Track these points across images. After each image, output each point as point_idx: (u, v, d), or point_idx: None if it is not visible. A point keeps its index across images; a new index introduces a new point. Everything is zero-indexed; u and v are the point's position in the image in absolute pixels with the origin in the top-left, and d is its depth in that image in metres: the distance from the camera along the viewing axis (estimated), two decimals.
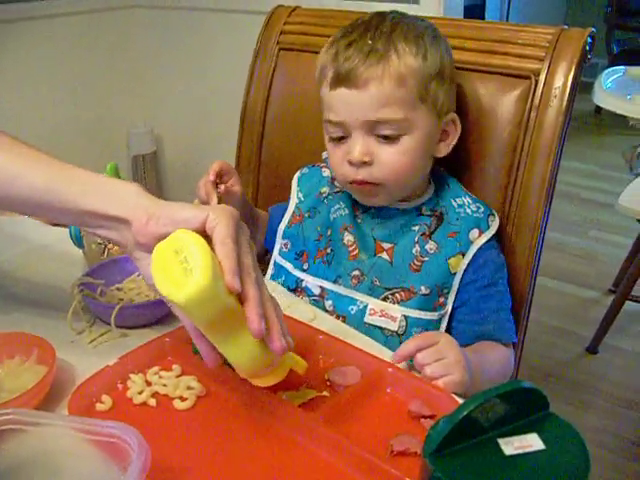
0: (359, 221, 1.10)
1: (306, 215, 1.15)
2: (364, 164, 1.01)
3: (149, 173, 3.15)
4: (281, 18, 1.38)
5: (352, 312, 1.06)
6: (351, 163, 1.02)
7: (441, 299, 1.04)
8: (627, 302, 2.40)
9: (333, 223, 1.11)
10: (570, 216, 3.49)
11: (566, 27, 1.09)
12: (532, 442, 0.52)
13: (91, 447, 0.67)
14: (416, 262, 1.04)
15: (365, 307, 1.05)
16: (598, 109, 4.75)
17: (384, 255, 1.06)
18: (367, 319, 1.04)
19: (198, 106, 3.02)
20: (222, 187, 1.10)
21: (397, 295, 1.04)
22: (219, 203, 1.04)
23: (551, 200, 1.10)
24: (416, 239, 1.05)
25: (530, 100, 1.08)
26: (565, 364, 2.40)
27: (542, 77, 1.08)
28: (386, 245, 1.07)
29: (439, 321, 1.05)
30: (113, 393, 0.83)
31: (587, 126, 4.86)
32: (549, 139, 1.07)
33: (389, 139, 1.00)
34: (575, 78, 1.06)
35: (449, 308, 1.05)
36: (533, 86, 1.08)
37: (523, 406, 0.54)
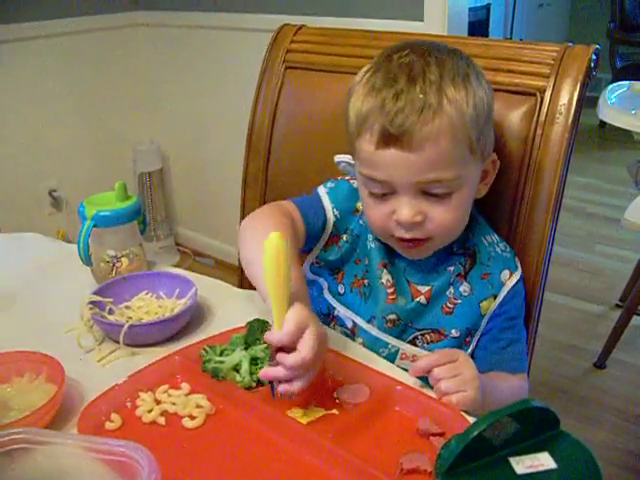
0: (393, 257, 1.05)
1: (344, 238, 1.08)
2: (415, 224, 0.95)
3: (155, 190, 3.16)
4: (287, 37, 1.39)
5: (383, 354, 1.03)
6: (399, 223, 0.96)
7: (468, 339, 1.04)
8: (634, 317, 2.39)
9: (370, 253, 1.06)
10: (576, 231, 3.48)
11: (571, 44, 1.10)
12: (544, 461, 0.52)
13: (101, 466, 0.67)
14: (449, 304, 1.03)
15: (397, 351, 1.04)
16: (602, 123, 4.75)
17: (422, 299, 1.04)
18: (398, 362, 1.03)
19: (204, 123, 3.04)
20: None
21: (427, 336, 1.04)
22: None
23: (558, 216, 1.10)
24: (451, 280, 1.03)
25: (536, 117, 1.09)
26: (573, 379, 2.39)
27: (548, 94, 1.08)
28: (422, 288, 1.04)
29: None
30: (122, 412, 0.83)
31: (591, 140, 4.87)
32: (555, 155, 1.07)
33: (439, 197, 0.94)
34: (580, 95, 1.06)
35: (473, 346, 1.04)
36: (539, 103, 1.09)
37: (534, 425, 0.54)
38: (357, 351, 0.97)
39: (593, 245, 3.37)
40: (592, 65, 1.08)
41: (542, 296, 1.12)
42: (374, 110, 0.91)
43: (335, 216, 1.08)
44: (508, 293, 1.04)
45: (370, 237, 1.06)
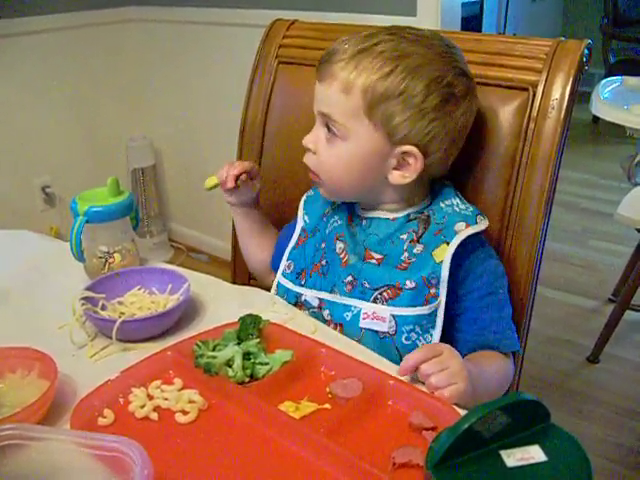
0: (352, 229, 1.10)
1: (310, 235, 1.16)
2: (309, 150, 1.08)
3: (149, 186, 3.15)
4: (280, 32, 1.38)
5: (347, 319, 1.05)
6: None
7: (432, 290, 1.02)
8: (627, 311, 2.40)
9: (328, 236, 1.12)
10: (569, 226, 3.49)
11: (563, 39, 1.10)
12: (534, 454, 0.52)
13: (94, 461, 0.67)
14: (403, 264, 1.04)
15: (359, 312, 1.04)
16: (596, 118, 4.75)
17: (373, 261, 1.06)
18: (361, 323, 1.04)
19: (197, 119, 3.03)
20: (243, 177, 1.19)
21: (384, 294, 1.03)
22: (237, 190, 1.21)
23: (550, 210, 1.10)
24: (405, 247, 1.05)
25: (528, 111, 1.09)
26: (566, 374, 2.40)
27: (540, 89, 1.08)
28: (376, 255, 1.06)
29: (433, 315, 1.02)
30: (115, 407, 0.83)
31: (585, 135, 4.88)
32: (548, 150, 1.07)
33: (331, 137, 1.05)
34: (572, 89, 1.07)
35: (442, 299, 1.02)
36: (531, 98, 1.09)
37: (525, 418, 0.54)
38: (349, 346, 0.97)
39: (586, 240, 3.38)
40: (584, 60, 1.08)
41: (534, 291, 1.13)
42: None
43: (305, 221, 1.19)
44: (475, 263, 1.04)
45: (329, 224, 1.13)
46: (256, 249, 1.29)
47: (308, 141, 1.08)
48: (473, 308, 1.05)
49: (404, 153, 1.02)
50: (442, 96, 1.01)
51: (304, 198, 1.22)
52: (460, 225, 1.03)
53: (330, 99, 1.03)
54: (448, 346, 0.91)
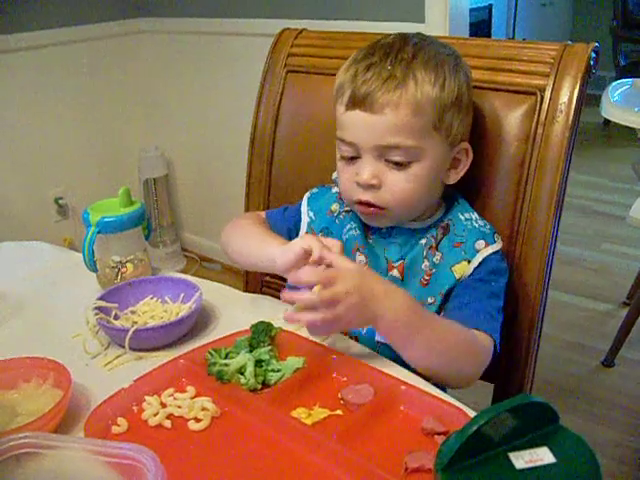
0: (370, 241, 1.10)
1: (319, 235, 1.14)
2: (372, 187, 1.02)
3: (160, 196, 3.17)
4: (288, 41, 1.39)
5: (362, 332, 1.06)
6: (359, 184, 1.03)
7: (446, 304, 1.04)
8: None
9: (345, 244, 1.10)
10: (582, 229, 3.48)
11: (570, 43, 1.10)
12: (543, 456, 0.53)
13: (107, 469, 0.68)
14: (425, 277, 1.05)
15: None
16: (606, 121, 4.74)
17: (395, 273, 1.06)
18: (377, 337, 1.04)
19: (208, 129, 3.05)
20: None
21: None
22: None
23: (560, 214, 1.10)
24: (424, 254, 1.05)
25: (536, 116, 1.09)
26: (581, 378, 2.38)
27: (547, 93, 1.08)
28: (396, 263, 1.07)
29: None
30: (128, 415, 0.84)
31: (596, 138, 4.86)
32: (556, 154, 1.08)
33: (399, 165, 1.00)
34: (580, 93, 1.07)
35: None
36: (539, 102, 1.09)
37: (533, 420, 0.54)
38: (360, 352, 0.97)
39: (599, 243, 3.37)
40: (592, 63, 1.08)
41: (546, 295, 1.13)
42: (349, 79, 1.01)
43: (310, 217, 1.17)
44: (483, 261, 1.04)
45: (344, 230, 1.11)
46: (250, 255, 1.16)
47: (370, 178, 1.01)
48: (462, 294, 1.03)
49: (458, 151, 1.05)
50: (472, 87, 1.05)
51: (307, 195, 1.21)
52: (480, 243, 1.05)
53: (395, 127, 0.98)
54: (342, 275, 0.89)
